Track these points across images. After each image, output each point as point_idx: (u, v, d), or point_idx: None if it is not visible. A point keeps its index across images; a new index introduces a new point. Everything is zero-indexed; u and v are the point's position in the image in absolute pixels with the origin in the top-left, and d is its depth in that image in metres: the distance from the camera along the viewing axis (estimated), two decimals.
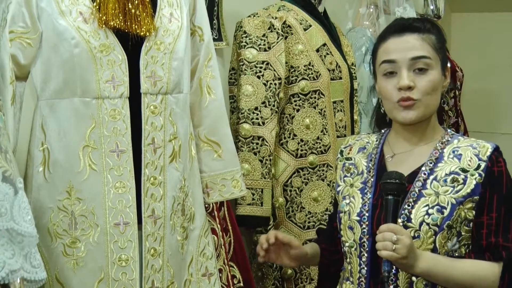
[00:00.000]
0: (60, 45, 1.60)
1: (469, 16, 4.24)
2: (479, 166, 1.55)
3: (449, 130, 1.68)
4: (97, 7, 1.61)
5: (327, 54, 2.44)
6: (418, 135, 1.64)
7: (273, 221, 2.38)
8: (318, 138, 2.39)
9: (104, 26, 1.61)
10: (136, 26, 1.63)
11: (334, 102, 2.44)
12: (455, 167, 1.56)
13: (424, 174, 1.57)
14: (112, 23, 1.60)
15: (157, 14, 1.70)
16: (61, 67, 1.61)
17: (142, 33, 1.64)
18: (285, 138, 2.39)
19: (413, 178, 1.58)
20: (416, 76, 1.57)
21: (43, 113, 1.64)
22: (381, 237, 1.46)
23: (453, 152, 1.59)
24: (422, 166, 1.60)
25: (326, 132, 2.41)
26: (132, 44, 1.64)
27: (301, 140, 2.39)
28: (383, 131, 1.74)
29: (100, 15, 1.61)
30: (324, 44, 2.45)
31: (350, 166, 1.72)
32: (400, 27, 1.61)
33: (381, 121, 1.75)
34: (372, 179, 1.64)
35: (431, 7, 3.02)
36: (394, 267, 1.50)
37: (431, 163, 1.59)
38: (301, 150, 2.39)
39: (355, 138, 1.78)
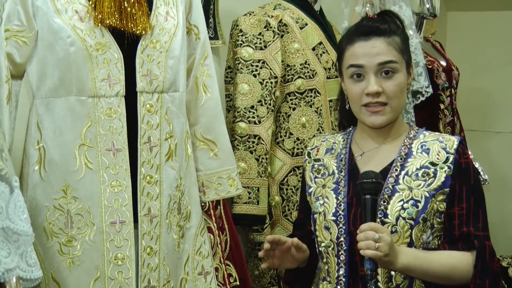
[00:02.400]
0: (56, 43, 1.59)
1: (465, 14, 4.25)
2: (447, 159, 1.60)
3: (413, 125, 1.72)
4: (93, 5, 1.61)
5: (323, 52, 2.44)
6: (385, 133, 1.68)
7: (269, 219, 2.38)
8: (314, 136, 2.39)
9: (100, 24, 1.60)
10: (132, 25, 1.63)
11: (330, 101, 2.44)
12: (424, 161, 1.60)
13: (396, 170, 1.61)
14: (108, 22, 1.60)
15: (153, 12, 1.70)
16: (57, 66, 1.61)
17: (138, 32, 1.64)
18: (281, 136, 2.39)
19: (385, 175, 1.61)
20: (383, 80, 1.60)
21: (39, 112, 1.64)
22: (363, 236, 1.47)
23: (421, 146, 1.64)
24: (392, 162, 1.63)
25: (322, 130, 2.41)
26: (128, 43, 1.64)
27: (297, 139, 2.39)
28: (348, 130, 1.76)
29: (96, 13, 1.60)
30: (320, 43, 2.45)
31: (320, 167, 1.73)
32: (366, 30, 1.63)
33: (347, 118, 1.77)
34: (344, 179, 1.65)
35: (427, 6, 3.02)
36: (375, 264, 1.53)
37: (401, 159, 1.62)
38: (297, 149, 2.39)
39: (321, 139, 1.80)
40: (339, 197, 1.64)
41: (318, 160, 1.75)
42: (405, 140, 1.65)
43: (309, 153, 1.79)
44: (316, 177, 1.73)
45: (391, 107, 1.61)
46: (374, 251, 1.45)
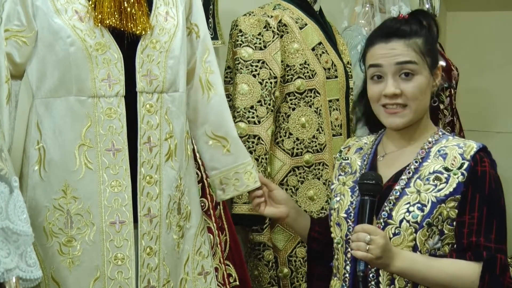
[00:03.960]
0: (56, 43, 1.59)
1: (464, 15, 4.25)
2: (462, 165, 1.56)
3: (440, 130, 1.68)
4: (93, 5, 1.61)
5: (323, 53, 2.44)
6: (408, 135, 1.66)
7: (269, 219, 2.38)
8: (313, 136, 2.40)
9: (99, 24, 1.60)
10: (131, 25, 1.63)
11: (330, 101, 2.44)
12: (439, 166, 1.58)
13: (409, 173, 1.60)
14: (107, 22, 1.60)
15: (153, 12, 1.70)
16: (57, 66, 1.61)
17: (137, 32, 1.64)
18: (280, 137, 2.39)
19: (399, 177, 1.60)
20: (402, 82, 1.59)
21: (39, 112, 1.64)
22: (355, 238, 1.48)
23: (439, 151, 1.60)
24: (408, 165, 1.61)
25: (322, 130, 2.41)
26: (127, 43, 1.64)
27: (297, 139, 2.39)
28: (381, 131, 1.77)
29: (96, 13, 1.60)
30: (320, 43, 2.45)
31: (346, 166, 1.75)
32: (387, 32, 1.62)
33: (372, 120, 1.76)
34: None
35: (427, 6, 3.03)
36: (369, 266, 1.52)
37: (416, 162, 1.61)
38: (297, 149, 2.39)
39: (356, 139, 1.81)
40: (353, 196, 1.65)
41: (346, 158, 1.76)
42: (425, 144, 1.63)
43: (340, 151, 1.81)
44: (340, 175, 1.75)
45: (410, 109, 1.59)
46: (364, 252, 1.46)
